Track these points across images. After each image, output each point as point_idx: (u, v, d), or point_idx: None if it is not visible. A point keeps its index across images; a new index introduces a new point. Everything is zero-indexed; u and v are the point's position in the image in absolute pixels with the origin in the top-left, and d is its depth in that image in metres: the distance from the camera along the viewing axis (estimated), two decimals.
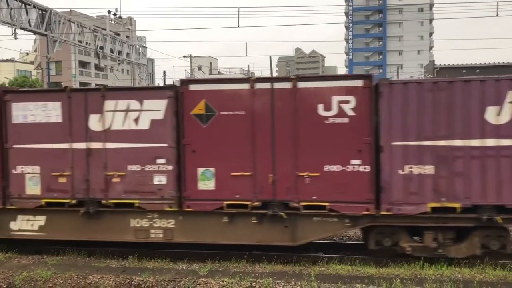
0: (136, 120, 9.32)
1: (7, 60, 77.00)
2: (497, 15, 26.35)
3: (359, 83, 8.66)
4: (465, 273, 8.23)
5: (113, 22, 53.45)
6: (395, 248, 9.01)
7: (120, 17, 51.78)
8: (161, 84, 46.06)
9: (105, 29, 34.79)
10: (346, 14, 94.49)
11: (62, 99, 9.61)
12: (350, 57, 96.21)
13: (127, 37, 50.37)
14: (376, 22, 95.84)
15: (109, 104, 9.42)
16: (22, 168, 9.80)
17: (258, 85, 8.99)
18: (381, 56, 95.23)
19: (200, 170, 9.16)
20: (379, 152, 8.57)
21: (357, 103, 8.61)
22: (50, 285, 8.41)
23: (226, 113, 9.04)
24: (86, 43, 29.71)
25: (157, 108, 9.24)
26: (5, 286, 8.54)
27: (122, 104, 9.37)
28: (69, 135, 9.57)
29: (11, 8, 21.47)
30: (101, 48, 31.42)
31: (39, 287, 8.41)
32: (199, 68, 66.56)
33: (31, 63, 74.44)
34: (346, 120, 8.66)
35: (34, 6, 23.39)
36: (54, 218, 9.86)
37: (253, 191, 8.98)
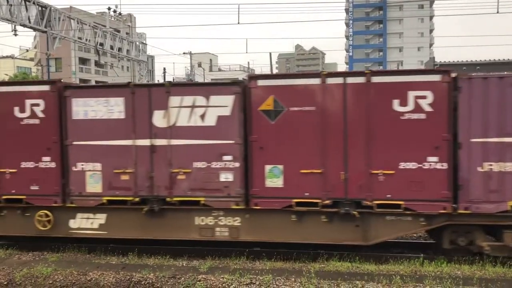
0: (202, 117, 9.15)
1: (7, 57, 76.92)
2: (497, 12, 26.29)
3: (436, 77, 8.45)
4: (465, 270, 8.24)
5: (113, 19, 53.37)
6: (469, 247, 8.82)
7: (120, 13, 51.74)
8: (161, 81, 46.01)
9: (105, 26, 34.72)
10: (346, 11, 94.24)
11: (125, 95, 9.41)
12: (350, 53, 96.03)
13: (127, 33, 50.30)
14: (376, 19, 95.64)
15: (174, 100, 9.23)
16: (82, 165, 9.61)
17: (330, 80, 8.79)
18: (381, 53, 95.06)
19: (268, 167, 9.00)
20: (457, 149, 8.39)
21: (435, 99, 8.41)
22: (51, 281, 8.43)
23: (295, 109, 8.85)
24: (86, 39, 29.67)
25: (223, 104, 9.07)
26: (5, 282, 8.55)
27: (188, 100, 9.19)
28: (132, 131, 9.38)
29: (11, 5, 21.43)
30: (101, 45, 31.37)
31: (39, 283, 8.42)
32: (199, 65, 66.46)
33: (31, 59, 74.32)
34: (422, 116, 8.46)
35: (34, 3, 23.35)
36: (115, 216, 9.71)
37: (324, 189, 8.80)
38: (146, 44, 47.17)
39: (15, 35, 22.66)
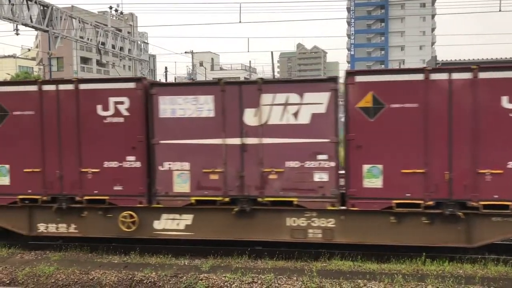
0: (296, 114, 8.81)
1: (8, 56, 77.06)
2: (500, 10, 26.25)
3: None
4: (467, 269, 8.24)
5: (114, 18, 53.41)
6: None
7: (121, 13, 51.80)
8: (163, 81, 46.09)
9: (106, 25, 34.74)
10: (348, 9, 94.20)
11: (215, 93, 9.09)
12: (352, 52, 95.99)
13: (128, 33, 50.31)
14: (378, 17, 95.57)
15: (266, 98, 8.91)
16: (169, 164, 9.27)
17: (434, 76, 8.42)
18: (383, 52, 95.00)
19: (366, 167, 8.66)
20: None
21: None
22: (53, 280, 8.44)
23: (396, 105, 8.49)
24: (88, 39, 29.72)
25: (318, 102, 8.73)
26: (8, 281, 8.57)
27: (281, 97, 8.86)
28: (222, 130, 9.07)
29: (13, 4, 21.47)
30: (103, 44, 31.42)
31: (42, 282, 8.44)
32: (201, 64, 66.47)
33: (33, 59, 74.44)
34: None
35: (35, 2, 23.40)
36: (203, 217, 9.41)
37: (427, 189, 8.45)
38: (147, 43, 47.20)
39: (17, 34, 22.76)
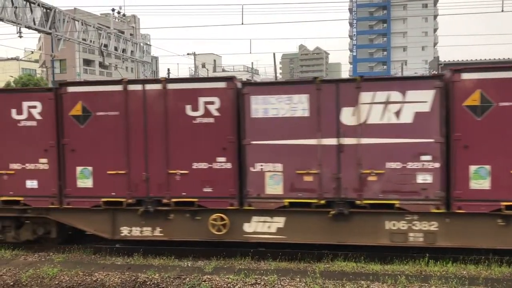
0: (397, 113, 8.48)
1: (12, 59, 77.28)
2: (502, 11, 26.21)
3: None
4: (471, 270, 8.22)
5: (117, 20, 53.52)
6: None
7: (124, 15, 51.94)
8: None
9: (109, 27, 34.86)
10: (350, 10, 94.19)
11: (310, 91, 8.79)
12: (354, 53, 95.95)
13: (131, 35, 50.45)
14: (380, 18, 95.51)
15: (365, 96, 8.58)
16: (261, 165, 8.98)
17: None
18: (385, 53, 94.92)
19: (473, 168, 8.32)
20: None
21: None
22: (57, 282, 8.47)
23: (506, 104, 8.17)
24: (90, 41, 29.82)
25: (422, 100, 8.39)
26: (11, 283, 8.60)
27: (381, 95, 8.53)
28: (317, 130, 8.77)
29: (16, 7, 21.57)
30: (105, 46, 31.51)
31: (45, 284, 8.46)
32: (203, 66, 66.52)
33: (36, 61, 74.67)
34: None
35: (38, 5, 23.51)
36: (296, 220, 9.08)
37: None
38: (150, 45, 47.31)
39: (20, 37, 22.83)
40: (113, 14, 45.85)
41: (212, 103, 9.05)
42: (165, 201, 9.31)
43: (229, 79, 9.18)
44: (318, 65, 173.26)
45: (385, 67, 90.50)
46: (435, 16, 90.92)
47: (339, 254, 9.16)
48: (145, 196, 9.37)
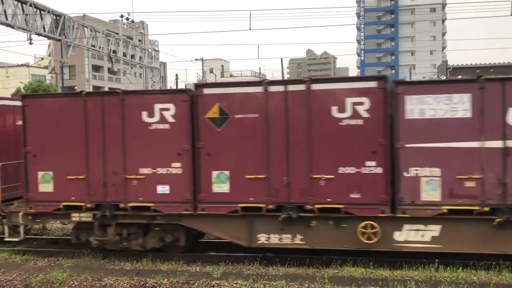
0: None
1: (22, 65, 78.08)
2: (511, 14, 26.02)
3: None
4: (481, 276, 8.13)
5: (125, 26, 53.90)
6: None
7: (132, 21, 52.30)
8: (173, 88, 46.28)
9: (117, 33, 35.13)
10: (358, 15, 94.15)
11: (473, 91, 8.27)
12: (362, 58, 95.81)
13: (139, 41, 50.80)
14: (388, 23, 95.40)
15: None
16: (416, 170, 8.46)
17: None
18: (393, 57, 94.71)
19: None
20: None
21: None
22: (66, 287, 8.50)
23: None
24: (99, 47, 30.05)
25: None
26: None
27: None
28: (480, 132, 8.28)
29: (27, 14, 21.82)
30: (114, 52, 31.74)
31: None
32: (211, 71, 66.77)
33: (45, 67, 75.41)
34: None
35: (48, 12, 23.76)
36: (453, 228, 8.52)
37: None
38: (158, 51, 47.57)
39: (30, 43, 23.06)
40: (122, 20, 46.21)
41: (361, 103, 8.62)
42: (308, 207, 8.86)
43: (381, 78, 8.76)
44: (326, 70, 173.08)
45: (393, 71, 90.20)
46: (443, 20, 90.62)
47: (348, 260, 9.12)
48: (285, 202, 8.93)
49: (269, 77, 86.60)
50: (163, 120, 9.33)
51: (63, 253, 10.31)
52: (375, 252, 9.02)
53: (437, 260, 8.61)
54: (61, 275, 8.77)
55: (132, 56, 34.65)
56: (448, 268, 8.50)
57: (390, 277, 8.16)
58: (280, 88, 9.01)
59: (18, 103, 10.54)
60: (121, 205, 9.52)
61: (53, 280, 8.66)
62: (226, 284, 8.13)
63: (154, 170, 9.36)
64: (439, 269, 8.48)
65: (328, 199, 8.75)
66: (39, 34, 23.49)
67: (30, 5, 22.05)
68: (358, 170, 8.62)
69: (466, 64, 32.49)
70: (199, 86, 9.47)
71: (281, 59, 48.99)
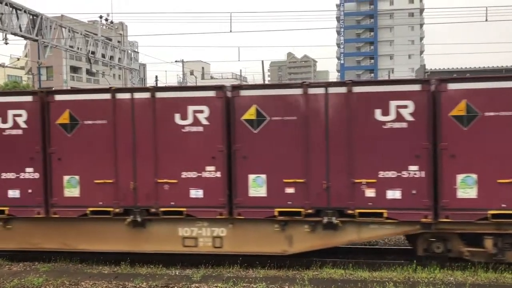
0: None
1: None
2: (486, 20, 26.63)
3: None
4: (458, 276, 8.28)
5: (104, 27, 53.23)
6: None
7: (111, 22, 51.57)
8: None
9: (96, 34, 34.69)
10: (338, 19, 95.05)
11: None
12: (342, 61, 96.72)
13: (118, 42, 50.29)
14: (367, 27, 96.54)
15: None
16: None
17: None
18: (372, 61, 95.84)
19: None
20: None
21: None
22: None
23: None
24: (78, 48, 29.63)
25: None
26: None
27: None
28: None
29: (2, 13, 21.39)
30: (93, 53, 31.33)
31: None
32: (191, 73, 66.47)
33: (22, 68, 73.91)
34: None
35: (25, 11, 23.32)
36: None
37: None
38: (138, 52, 47.15)
39: (6, 43, 22.61)
40: (101, 21, 45.61)
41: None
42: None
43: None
44: (306, 73, 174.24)
45: (372, 75, 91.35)
46: (421, 25, 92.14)
47: (327, 261, 9.17)
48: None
49: (250, 79, 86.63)
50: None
51: (39, 258, 10.09)
52: (355, 253, 9.10)
53: (415, 261, 8.74)
54: (36, 279, 8.59)
55: (111, 57, 34.25)
56: (426, 269, 8.63)
57: (369, 278, 8.23)
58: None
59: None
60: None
61: (28, 285, 8.46)
62: (206, 287, 8.08)
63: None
64: (417, 270, 8.60)
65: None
66: (15, 34, 23.03)
67: (6, 4, 21.62)
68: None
69: (444, 68, 33.07)
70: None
71: (262, 61, 49.21)
